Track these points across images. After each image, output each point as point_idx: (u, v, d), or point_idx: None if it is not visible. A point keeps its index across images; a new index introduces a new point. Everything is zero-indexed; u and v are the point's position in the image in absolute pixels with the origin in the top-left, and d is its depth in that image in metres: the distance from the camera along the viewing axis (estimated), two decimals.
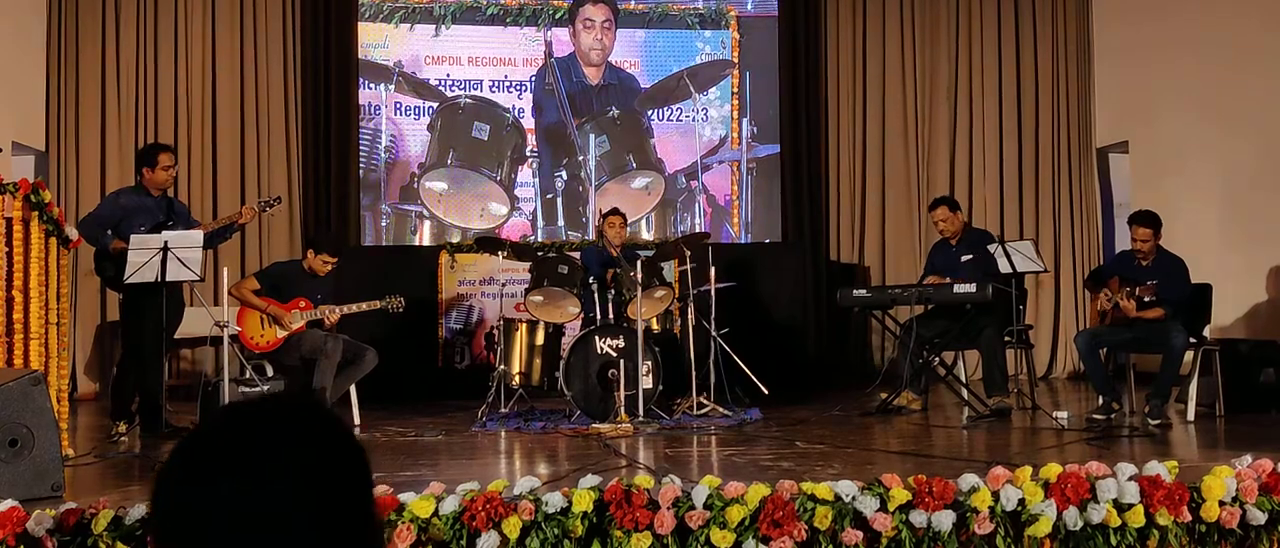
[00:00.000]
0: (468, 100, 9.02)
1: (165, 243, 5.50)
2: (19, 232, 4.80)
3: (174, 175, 6.19)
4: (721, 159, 9.24)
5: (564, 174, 9.07)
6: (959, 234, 6.86)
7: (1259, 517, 3.62)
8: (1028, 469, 3.66)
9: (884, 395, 6.67)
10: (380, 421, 6.44)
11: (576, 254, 7.35)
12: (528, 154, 9.05)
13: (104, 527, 3.36)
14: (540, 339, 6.74)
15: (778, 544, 3.39)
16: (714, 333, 6.68)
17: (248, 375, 6.01)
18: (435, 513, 3.45)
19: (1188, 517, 3.59)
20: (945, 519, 3.46)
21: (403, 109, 8.96)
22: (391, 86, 8.93)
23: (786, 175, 9.16)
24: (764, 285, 8.46)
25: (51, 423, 4.16)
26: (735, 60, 9.28)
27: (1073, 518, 3.52)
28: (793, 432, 5.81)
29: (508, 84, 9.06)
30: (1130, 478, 3.62)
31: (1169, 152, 8.54)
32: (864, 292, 6.79)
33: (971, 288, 6.18)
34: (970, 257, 6.69)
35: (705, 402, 6.44)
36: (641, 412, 6.04)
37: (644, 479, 3.59)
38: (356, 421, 6.37)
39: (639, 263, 6.32)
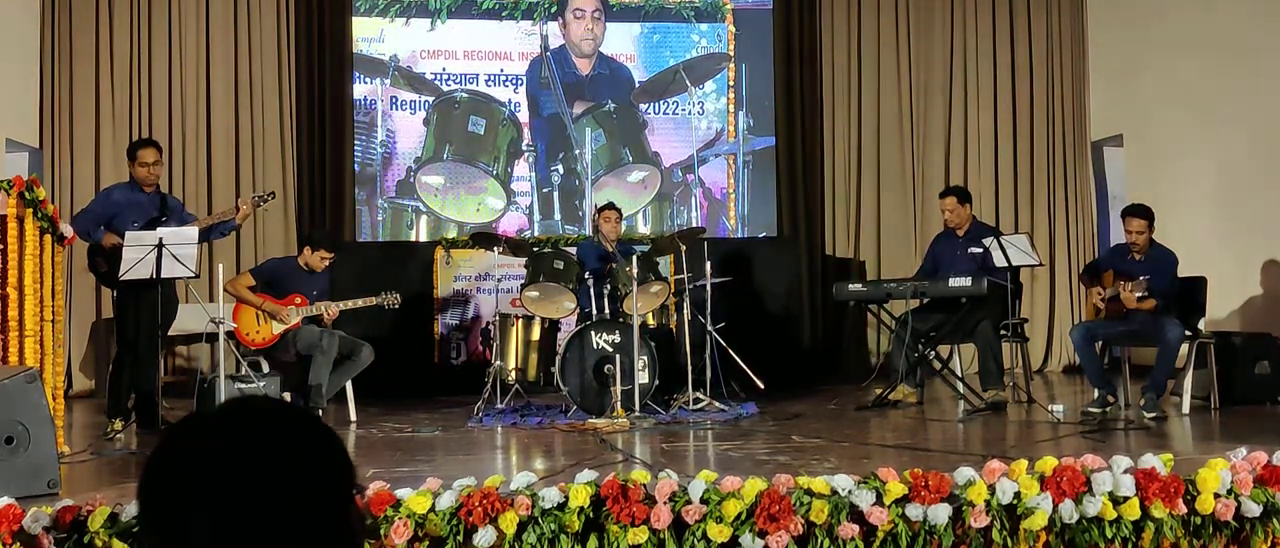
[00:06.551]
0: (463, 94, 9.00)
1: (160, 239, 5.49)
2: (13, 229, 4.80)
3: (157, 173, 6.05)
4: (717, 152, 9.23)
5: (560, 168, 9.06)
6: (964, 226, 6.85)
7: (1254, 509, 3.63)
8: (1023, 463, 3.67)
9: (880, 390, 6.68)
10: (376, 416, 6.44)
11: (572, 249, 7.36)
12: (524, 148, 9.04)
13: (100, 524, 3.36)
14: (536, 334, 6.74)
15: (774, 539, 3.40)
16: (710, 328, 6.68)
17: (243, 372, 6.01)
18: (432, 509, 3.45)
19: (1183, 509, 3.60)
20: (941, 513, 3.47)
21: (398, 103, 8.94)
22: (387, 81, 8.91)
23: (782, 169, 9.15)
24: (760, 279, 8.47)
25: (47, 420, 4.15)
26: (731, 53, 9.26)
27: (1068, 511, 3.53)
28: (789, 426, 5.82)
29: (503, 78, 9.05)
30: (1125, 471, 3.63)
31: (1163, 145, 8.55)
32: (860, 285, 6.80)
33: (967, 282, 6.18)
34: (977, 250, 6.63)
35: (701, 396, 6.45)
36: (638, 407, 6.05)
37: (640, 474, 3.59)
38: (352, 416, 6.36)
39: (635, 257, 6.32)
